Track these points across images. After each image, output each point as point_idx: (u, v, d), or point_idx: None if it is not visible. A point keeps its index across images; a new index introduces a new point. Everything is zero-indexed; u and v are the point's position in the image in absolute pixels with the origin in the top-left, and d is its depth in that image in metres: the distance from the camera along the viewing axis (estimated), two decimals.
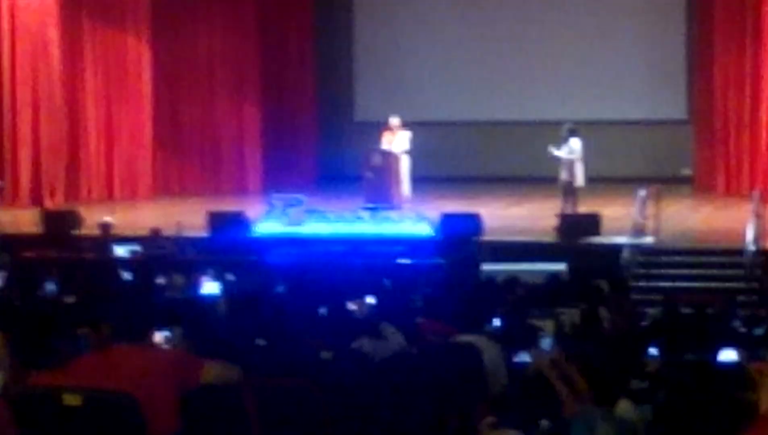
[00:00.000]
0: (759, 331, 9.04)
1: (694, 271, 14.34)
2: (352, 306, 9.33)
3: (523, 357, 7.01)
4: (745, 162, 19.03)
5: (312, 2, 22.47)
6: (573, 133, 16.41)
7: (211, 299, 9.47)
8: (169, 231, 15.69)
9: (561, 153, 16.31)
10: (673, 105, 20.92)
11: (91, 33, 20.34)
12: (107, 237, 15.57)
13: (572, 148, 16.23)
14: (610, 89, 20.95)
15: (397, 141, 17.64)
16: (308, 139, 22.48)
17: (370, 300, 9.49)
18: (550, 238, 15.50)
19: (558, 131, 16.69)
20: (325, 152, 22.36)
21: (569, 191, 16.19)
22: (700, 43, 19.97)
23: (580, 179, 16.18)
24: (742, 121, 19.13)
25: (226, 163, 21.69)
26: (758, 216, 14.51)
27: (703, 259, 14.72)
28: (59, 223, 16.76)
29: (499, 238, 15.44)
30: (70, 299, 9.28)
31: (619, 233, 15.14)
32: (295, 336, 7.23)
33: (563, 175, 16.25)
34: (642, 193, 15.16)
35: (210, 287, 10.33)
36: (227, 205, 17.81)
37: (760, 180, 18.09)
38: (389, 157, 17.61)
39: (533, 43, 21.41)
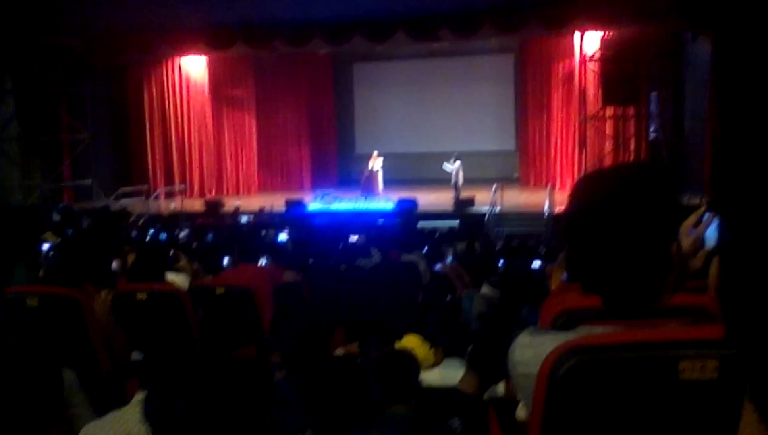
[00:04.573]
0: (550, 253, 9.11)
1: (520, 224, 14.51)
2: (354, 239, 9.48)
3: (438, 266, 6.98)
4: (543, 169, 18.84)
5: (332, 88, 22.04)
6: (457, 157, 16.52)
7: (285, 242, 9.40)
8: (267, 208, 15.87)
9: (452, 167, 16.42)
10: (509, 141, 20.73)
11: (227, 111, 20.24)
12: (237, 212, 15.71)
13: (457, 165, 16.36)
14: (478, 132, 20.70)
15: (376, 163, 17.79)
16: (333, 162, 22.26)
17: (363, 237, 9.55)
18: (450, 209, 15.64)
19: (449, 155, 16.77)
20: (342, 169, 22.11)
21: (456, 187, 16.23)
22: (521, 106, 19.73)
23: (461, 180, 16.25)
24: (541, 152, 19.02)
25: (293, 175, 21.46)
26: (550, 197, 14.67)
27: (524, 218, 14.84)
28: (213, 206, 16.98)
29: (426, 210, 15.57)
30: (219, 242, 9.34)
31: (484, 206, 15.23)
32: (326, 257, 7.07)
33: (452, 179, 16.35)
34: (494, 186, 15.28)
35: (285, 236, 10.24)
36: (294, 195, 17.78)
37: (550, 179, 18.06)
38: (372, 172, 17.75)
39: (440, 110, 21.12)
